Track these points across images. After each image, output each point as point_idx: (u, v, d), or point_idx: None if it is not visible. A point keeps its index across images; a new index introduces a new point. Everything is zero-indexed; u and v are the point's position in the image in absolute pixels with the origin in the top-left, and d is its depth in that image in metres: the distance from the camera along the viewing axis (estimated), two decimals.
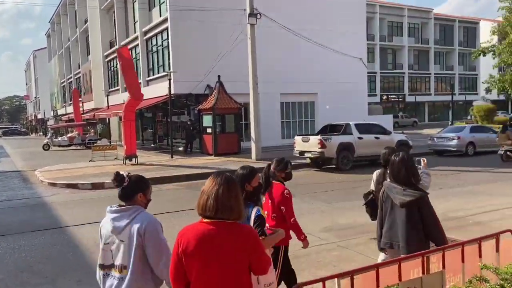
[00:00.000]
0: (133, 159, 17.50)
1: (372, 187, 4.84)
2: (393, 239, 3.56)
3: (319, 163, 15.82)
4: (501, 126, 18.81)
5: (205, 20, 21.23)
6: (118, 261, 2.56)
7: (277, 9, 20.44)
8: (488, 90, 45.16)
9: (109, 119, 31.41)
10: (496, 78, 40.52)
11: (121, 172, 2.66)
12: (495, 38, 40.37)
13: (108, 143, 24.86)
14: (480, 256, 2.88)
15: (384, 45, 52.33)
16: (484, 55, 40.93)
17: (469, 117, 41.31)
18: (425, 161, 3.93)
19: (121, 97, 26.76)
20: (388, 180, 3.73)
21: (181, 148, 22.66)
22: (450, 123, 37.56)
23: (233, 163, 16.60)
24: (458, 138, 18.38)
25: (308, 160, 16.12)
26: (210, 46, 21.08)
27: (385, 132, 16.58)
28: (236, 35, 19.16)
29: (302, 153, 15.81)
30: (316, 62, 23.81)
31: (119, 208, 2.61)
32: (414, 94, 53.92)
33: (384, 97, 50.97)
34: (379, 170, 4.73)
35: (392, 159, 3.61)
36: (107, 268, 2.62)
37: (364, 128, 16.01)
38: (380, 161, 4.71)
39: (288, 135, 24.19)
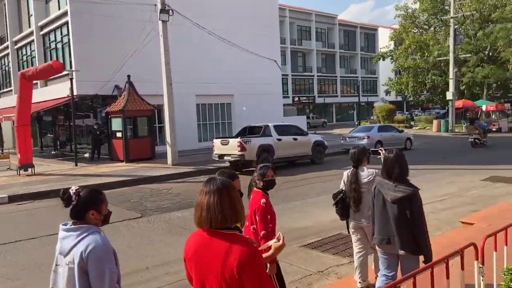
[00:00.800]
0: (29, 169, 15.40)
1: (342, 186, 4.75)
2: (390, 235, 3.60)
3: (239, 166, 15.39)
4: (469, 119, 24.04)
5: (112, 15, 19.56)
6: (63, 286, 2.33)
7: (191, 8, 19.57)
8: (387, 92, 49.11)
9: (0, 123, 27.86)
10: (394, 81, 44.32)
11: (69, 190, 2.36)
12: (393, 44, 44.07)
13: None
14: (447, 277, 2.54)
15: (295, 49, 54.09)
16: (383, 60, 44.49)
17: (372, 117, 44.38)
18: (383, 150, 3.97)
19: (15, 99, 23.70)
20: (380, 177, 3.80)
21: (87, 155, 20.65)
22: (356, 123, 39.90)
23: (147, 170, 15.49)
24: (368, 137, 19.33)
25: (227, 164, 15.60)
26: (118, 44, 19.47)
27: (302, 133, 16.73)
28: (147, 32, 17.97)
29: (221, 156, 15.23)
30: (232, 63, 23.44)
31: (69, 227, 2.35)
32: (323, 96, 56.58)
33: (296, 99, 52.67)
34: (349, 170, 4.67)
35: (386, 156, 3.73)
36: None
37: (282, 130, 15.95)
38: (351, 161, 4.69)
39: (205, 138, 23.48)
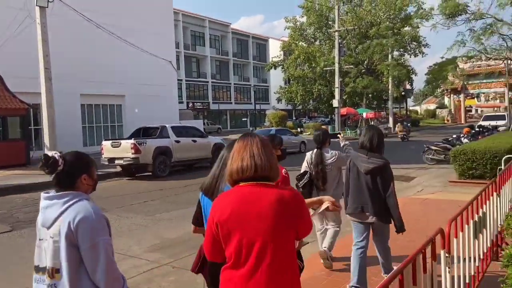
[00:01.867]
0: None
1: (305, 168, 4.90)
2: (364, 203, 3.83)
3: (132, 170, 14.06)
4: (400, 120, 31.55)
5: None
6: (49, 263, 1.98)
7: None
8: (279, 100, 51.15)
9: None
10: (285, 89, 46.40)
11: (50, 154, 2.03)
12: (282, 54, 46.14)
13: None
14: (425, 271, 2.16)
15: (189, 54, 53.17)
16: (275, 68, 46.29)
17: (265, 123, 45.62)
18: (342, 134, 4.61)
19: None
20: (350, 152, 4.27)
21: None
22: (251, 129, 40.57)
23: (19, 177, 13.25)
24: None
25: (119, 168, 14.15)
26: None
27: (202, 135, 16.04)
28: (19, 21, 15.59)
29: (111, 160, 13.74)
30: (124, 61, 21.73)
31: (53, 194, 2.02)
32: (218, 102, 56.56)
33: (190, 105, 51.66)
34: (312, 151, 4.90)
35: (367, 129, 4.08)
36: (41, 271, 2.01)
37: (181, 131, 15.06)
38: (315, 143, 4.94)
39: (92, 142, 21.32)
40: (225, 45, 59.08)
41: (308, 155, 4.93)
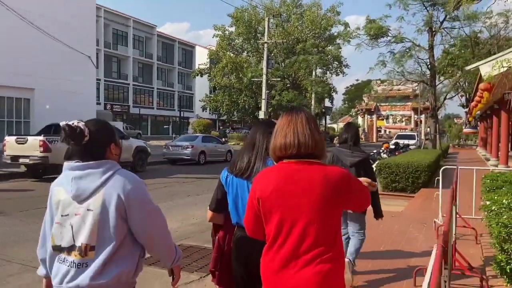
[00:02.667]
0: None
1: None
2: None
3: (39, 171, 12.39)
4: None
5: None
6: (81, 240, 1.74)
7: None
8: (203, 109, 50.34)
9: None
10: (211, 98, 45.80)
11: (72, 123, 1.77)
12: (209, 62, 45.64)
13: None
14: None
15: (109, 53, 50.20)
16: (201, 76, 45.54)
17: (189, 131, 44.45)
18: None
19: None
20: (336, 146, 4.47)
21: None
22: (174, 136, 39.14)
23: None
24: (192, 146, 18.63)
25: (23, 168, 12.39)
26: None
27: (123, 136, 14.75)
28: None
29: (15, 158, 12.00)
30: (35, 51, 19.40)
31: (85, 163, 1.78)
32: (138, 106, 53.97)
33: (108, 107, 48.61)
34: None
35: (348, 127, 4.41)
36: (66, 251, 1.77)
37: None
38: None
39: None
40: (150, 47, 56.90)
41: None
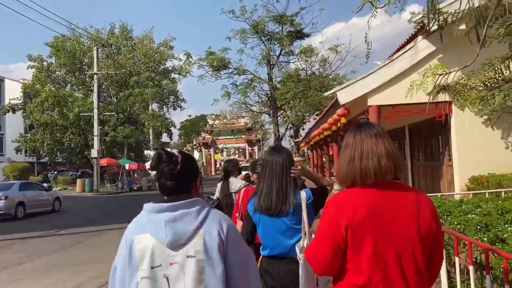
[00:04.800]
0: None
1: (217, 195, 5.08)
2: None
3: None
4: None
5: None
6: None
7: None
8: (18, 150, 42.46)
9: None
10: (27, 137, 38.86)
11: (171, 150, 1.67)
12: (23, 97, 39.05)
13: None
14: None
15: None
16: (13, 112, 38.42)
17: (2, 178, 36.53)
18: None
19: None
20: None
21: None
22: None
23: None
24: (6, 198, 14.56)
25: None
26: None
27: None
28: None
29: None
30: None
31: (176, 203, 1.56)
32: None
33: None
34: (222, 182, 5.11)
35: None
36: None
37: None
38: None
39: None
40: None
41: (219, 185, 5.09)
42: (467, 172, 9.17)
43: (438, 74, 8.47)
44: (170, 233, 1.51)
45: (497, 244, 3.08)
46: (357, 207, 1.51)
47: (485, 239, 3.15)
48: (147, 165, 1.74)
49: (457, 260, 3.00)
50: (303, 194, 2.34)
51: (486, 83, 8.86)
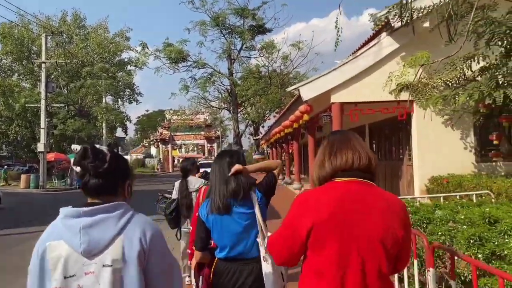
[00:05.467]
0: None
1: (175, 196, 4.94)
2: None
3: None
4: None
5: None
6: None
7: None
8: None
9: None
10: None
11: (96, 146, 1.53)
12: None
13: None
14: None
15: None
16: None
17: None
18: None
19: None
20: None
21: None
22: None
23: None
24: None
25: None
26: None
27: None
28: None
29: None
30: None
31: (94, 208, 1.45)
32: None
33: None
34: (179, 180, 4.96)
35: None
36: None
37: None
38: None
39: None
40: None
41: (176, 183, 4.94)
42: (426, 172, 9.11)
43: (420, 65, 8.22)
44: (85, 240, 1.42)
45: (493, 261, 2.71)
46: (322, 206, 1.48)
47: (479, 255, 2.78)
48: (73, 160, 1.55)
49: (453, 284, 2.64)
50: (254, 196, 2.34)
51: (448, 82, 8.82)
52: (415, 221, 3.74)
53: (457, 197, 5.42)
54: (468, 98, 6.99)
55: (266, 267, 2.19)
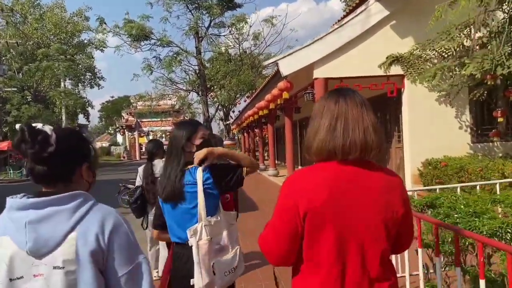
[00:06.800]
0: None
1: (138, 182, 4.57)
2: None
3: None
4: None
5: None
6: None
7: None
8: None
9: None
10: None
11: (38, 126, 1.25)
12: None
13: None
14: None
15: None
16: None
17: None
18: None
19: None
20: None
21: None
22: None
23: None
24: None
25: None
26: None
27: None
28: None
29: None
30: None
31: (45, 199, 1.23)
32: None
33: None
34: (143, 165, 4.54)
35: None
36: None
37: None
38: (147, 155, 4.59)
39: None
40: None
41: (140, 169, 4.58)
42: (418, 155, 8.24)
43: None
44: (32, 238, 1.20)
45: None
46: (317, 189, 1.31)
47: None
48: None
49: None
50: (199, 174, 2.04)
51: (444, 54, 7.90)
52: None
53: (477, 187, 4.47)
54: (475, 68, 6.06)
55: (194, 255, 1.99)
